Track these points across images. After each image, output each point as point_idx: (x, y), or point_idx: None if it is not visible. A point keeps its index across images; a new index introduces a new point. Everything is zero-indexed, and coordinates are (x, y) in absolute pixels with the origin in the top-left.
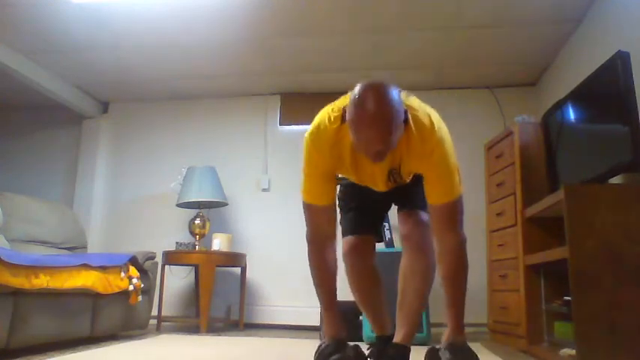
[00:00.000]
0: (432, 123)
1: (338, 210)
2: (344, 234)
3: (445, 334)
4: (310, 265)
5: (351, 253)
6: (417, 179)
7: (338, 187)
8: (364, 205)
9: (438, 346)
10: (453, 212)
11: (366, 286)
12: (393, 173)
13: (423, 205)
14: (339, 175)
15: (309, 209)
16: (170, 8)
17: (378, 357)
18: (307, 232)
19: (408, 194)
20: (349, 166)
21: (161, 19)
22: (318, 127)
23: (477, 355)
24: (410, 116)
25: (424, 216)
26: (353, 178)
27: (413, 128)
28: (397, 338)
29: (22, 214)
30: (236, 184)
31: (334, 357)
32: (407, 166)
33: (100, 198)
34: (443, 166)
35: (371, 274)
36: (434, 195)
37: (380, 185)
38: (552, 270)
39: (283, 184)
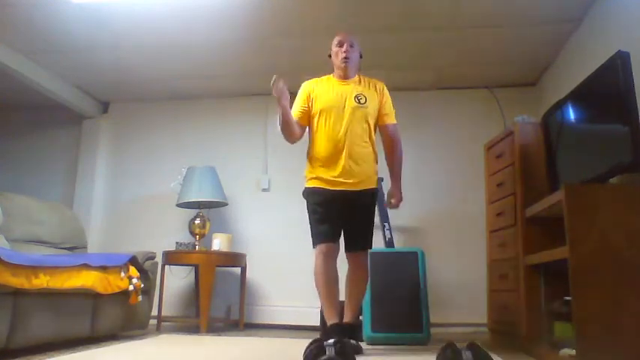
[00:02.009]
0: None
1: (311, 222)
2: (318, 241)
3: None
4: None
5: (327, 257)
6: (368, 217)
7: (311, 204)
8: (333, 217)
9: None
10: (396, 129)
11: (332, 283)
12: (359, 97)
13: (365, 244)
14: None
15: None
16: (170, 8)
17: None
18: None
19: (361, 231)
20: (328, 89)
21: (161, 19)
22: (314, 78)
23: None
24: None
25: (366, 255)
26: (326, 100)
27: (369, 79)
28: (347, 319)
29: (22, 214)
30: (236, 184)
31: (322, 358)
32: (368, 95)
33: (100, 198)
34: (389, 101)
35: (336, 274)
36: (386, 118)
37: (349, 102)
38: (552, 270)
39: (283, 184)
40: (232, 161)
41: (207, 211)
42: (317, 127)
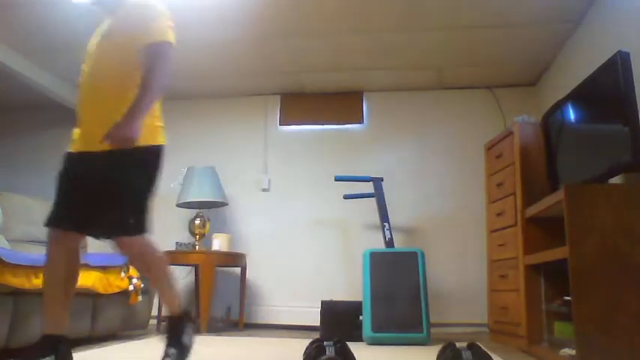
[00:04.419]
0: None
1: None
2: (45, 223)
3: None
4: None
5: (51, 245)
6: (102, 189)
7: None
8: (65, 191)
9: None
10: (152, 50)
11: (54, 282)
12: (106, 30)
13: (110, 230)
14: None
15: None
16: (169, 8)
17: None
18: None
19: (97, 208)
20: (95, 35)
21: None
22: None
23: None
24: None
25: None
26: (93, 44)
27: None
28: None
29: (22, 214)
30: (236, 184)
31: (322, 358)
32: (118, 23)
33: None
34: (148, 17)
35: (61, 268)
36: (137, 41)
37: (97, 39)
38: (552, 270)
39: (283, 184)
40: (232, 161)
41: (207, 211)
42: None
